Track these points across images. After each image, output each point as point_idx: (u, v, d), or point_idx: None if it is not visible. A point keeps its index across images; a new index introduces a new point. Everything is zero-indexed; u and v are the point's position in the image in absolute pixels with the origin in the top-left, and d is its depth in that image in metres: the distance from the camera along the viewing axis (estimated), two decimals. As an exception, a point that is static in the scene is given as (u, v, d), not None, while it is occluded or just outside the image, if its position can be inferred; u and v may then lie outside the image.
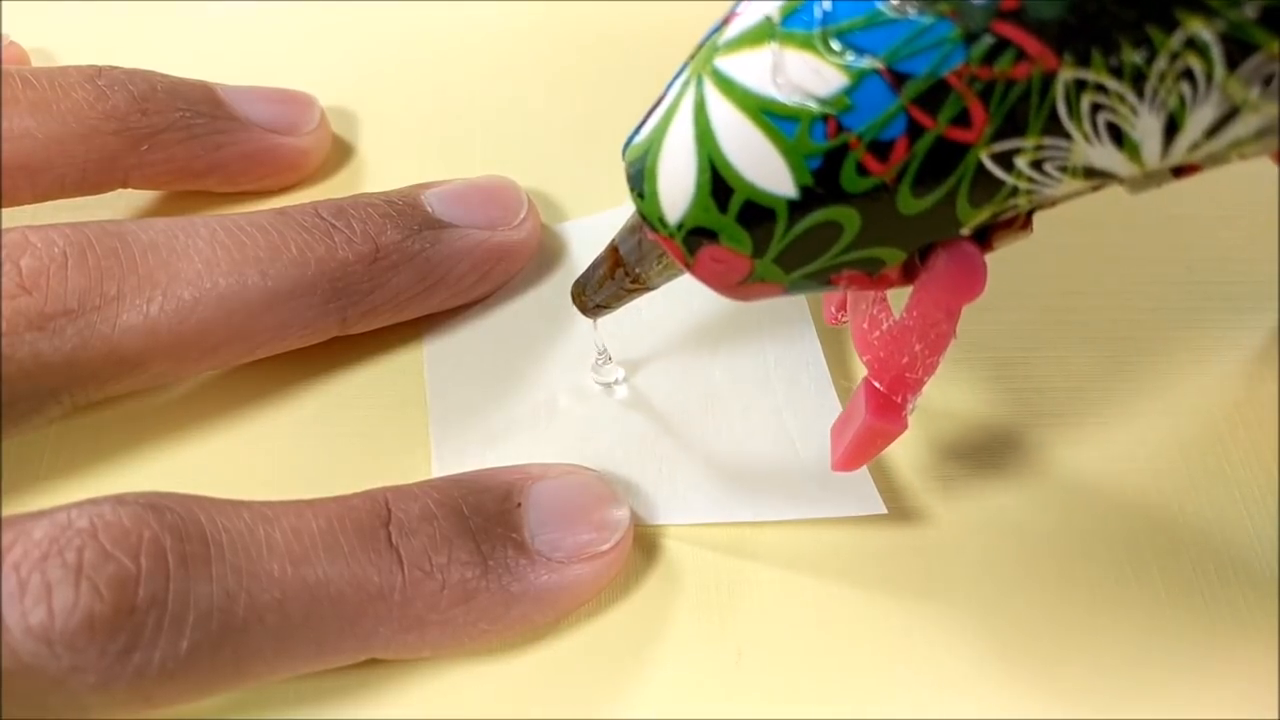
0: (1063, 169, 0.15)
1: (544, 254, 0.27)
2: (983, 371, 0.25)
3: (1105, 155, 0.15)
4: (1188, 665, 0.21)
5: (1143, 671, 0.21)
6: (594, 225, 0.28)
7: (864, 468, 0.23)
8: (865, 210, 0.16)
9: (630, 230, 0.20)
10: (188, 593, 0.17)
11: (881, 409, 0.20)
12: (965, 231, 0.17)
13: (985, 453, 0.24)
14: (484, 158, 0.29)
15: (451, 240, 0.24)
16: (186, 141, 0.26)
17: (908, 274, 0.18)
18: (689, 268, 0.18)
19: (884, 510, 0.22)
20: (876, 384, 0.20)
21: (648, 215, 0.18)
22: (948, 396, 0.25)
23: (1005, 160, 0.15)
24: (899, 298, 0.19)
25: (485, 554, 0.20)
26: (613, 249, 0.21)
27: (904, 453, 0.24)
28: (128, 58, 0.26)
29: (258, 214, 0.23)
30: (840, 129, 0.16)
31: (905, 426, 0.20)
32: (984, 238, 0.18)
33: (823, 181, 0.16)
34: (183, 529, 0.18)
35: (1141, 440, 0.24)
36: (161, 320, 0.21)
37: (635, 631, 0.22)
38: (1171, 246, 0.28)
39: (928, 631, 0.22)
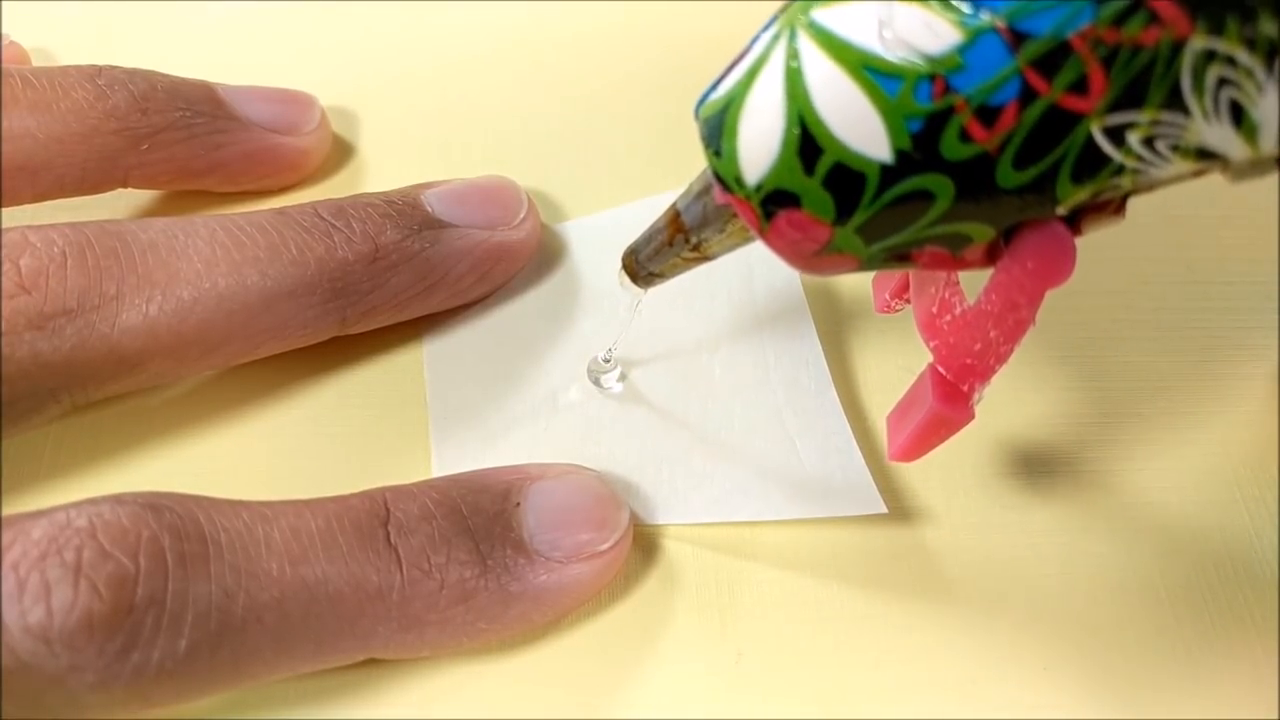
0: (1174, 148, 0.15)
1: (544, 254, 0.27)
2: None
3: (1221, 135, 0.14)
4: (1188, 665, 0.21)
5: (1143, 671, 0.21)
6: (594, 225, 0.28)
7: (864, 467, 0.23)
8: (961, 181, 0.15)
9: (696, 194, 0.19)
10: (186, 592, 0.17)
11: (949, 397, 0.19)
12: (1061, 211, 0.16)
13: (984, 452, 0.24)
14: (484, 158, 0.29)
15: (451, 240, 0.24)
16: (186, 141, 0.26)
17: (991, 255, 0.17)
18: (762, 234, 0.17)
19: (884, 510, 0.22)
20: (942, 371, 0.19)
21: (723, 175, 0.17)
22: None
23: (1117, 135, 0.15)
24: (970, 283, 0.19)
25: (484, 554, 0.20)
26: (674, 214, 0.20)
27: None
28: (128, 58, 0.26)
29: (257, 214, 0.23)
30: (947, 90, 0.15)
31: (972, 416, 0.19)
32: (1073, 220, 0.17)
33: (921, 146, 0.15)
34: (181, 528, 0.18)
35: (1141, 440, 0.24)
36: (161, 320, 0.21)
37: (635, 631, 0.22)
38: (1171, 246, 0.28)
39: (928, 631, 0.22)
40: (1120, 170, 0.15)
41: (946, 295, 0.19)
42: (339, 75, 0.31)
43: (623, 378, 0.25)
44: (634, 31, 0.32)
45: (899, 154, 0.15)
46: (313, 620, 0.19)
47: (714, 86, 0.17)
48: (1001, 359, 0.18)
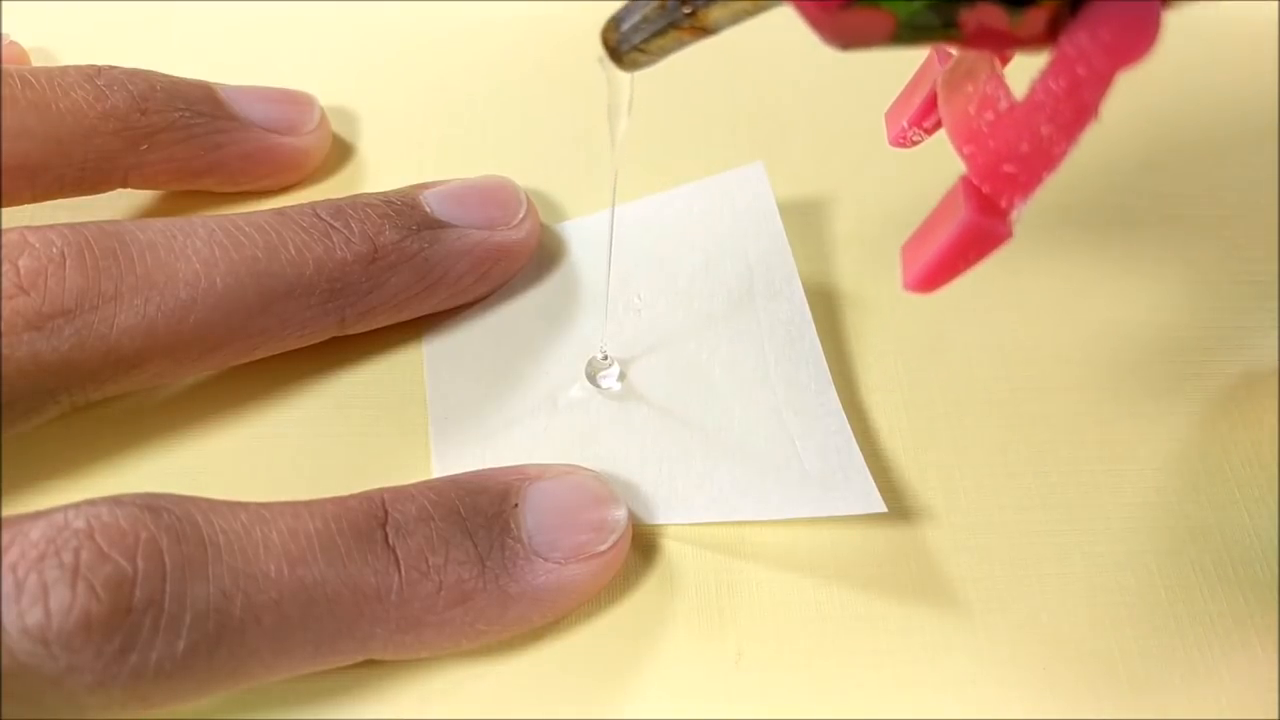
0: None
1: (543, 254, 0.27)
2: (983, 370, 0.25)
3: None
4: (1188, 665, 0.21)
5: (1143, 671, 0.21)
6: (594, 225, 0.28)
7: (863, 467, 0.23)
8: None
9: None
10: (184, 593, 0.17)
11: (986, 207, 0.16)
12: None
13: (985, 452, 0.24)
14: (484, 158, 0.29)
15: (450, 240, 0.24)
16: (186, 141, 0.26)
17: (1053, 28, 0.14)
18: None
19: (884, 510, 0.22)
20: (978, 182, 0.16)
21: None
22: (947, 396, 0.25)
23: None
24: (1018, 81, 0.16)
25: (482, 554, 0.20)
26: None
27: (903, 452, 0.24)
28: (128, 58, 0.26)
29: (256, 214, 0.23)
30: None
31: (1010, 234, 0.16)
32: None
33: None
34: (179, 530, 0.18)
35: (1141, 440, 0.24)
36: (159, 320, 0.21)
37: (635, 631, 0.22)
38: (1171, 247, 0.28)
39: (928, 631, 0.22)
40: None
41: (989, 90, 0.16)
42: (339, 75, 0.31)
43: (622, 377, 0.25)
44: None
45: None
46: (311, 621, 0.19)
47: None
48: (1052, 163, 0.15)
